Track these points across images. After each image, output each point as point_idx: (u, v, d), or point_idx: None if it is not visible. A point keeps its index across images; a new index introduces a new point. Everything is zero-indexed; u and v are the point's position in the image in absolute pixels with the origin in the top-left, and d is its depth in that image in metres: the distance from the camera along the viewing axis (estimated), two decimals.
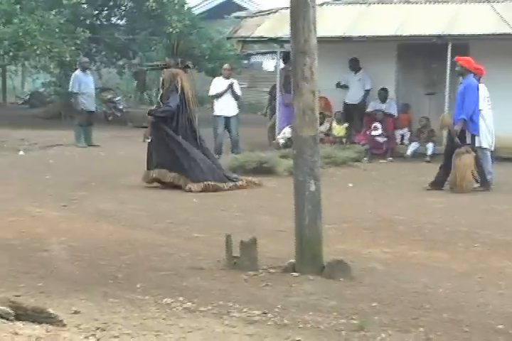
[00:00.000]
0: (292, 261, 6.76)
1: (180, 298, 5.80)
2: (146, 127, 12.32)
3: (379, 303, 5.85)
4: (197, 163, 11.66)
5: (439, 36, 14.88)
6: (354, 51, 16.26)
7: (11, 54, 20.50)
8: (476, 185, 11.92)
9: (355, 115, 16.79)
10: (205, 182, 11.54)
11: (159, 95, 12.22)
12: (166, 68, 12.17)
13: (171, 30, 22.14)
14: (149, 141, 11.92)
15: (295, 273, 6.62)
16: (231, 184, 11.78)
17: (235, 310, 5.52)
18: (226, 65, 16.09)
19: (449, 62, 14.46)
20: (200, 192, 11.37)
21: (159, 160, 11.82)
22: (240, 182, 11.87)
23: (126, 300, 5.68)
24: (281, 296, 6.00)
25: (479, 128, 11.86)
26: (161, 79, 12.20)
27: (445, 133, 12.95)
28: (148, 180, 11.92)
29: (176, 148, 11.70)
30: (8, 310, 4.22)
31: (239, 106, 15.83)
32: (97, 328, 4.65)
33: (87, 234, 8.36)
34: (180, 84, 11.88)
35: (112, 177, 12.92)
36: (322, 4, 15.79)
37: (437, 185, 11.92)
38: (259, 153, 13.84)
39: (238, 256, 6.80)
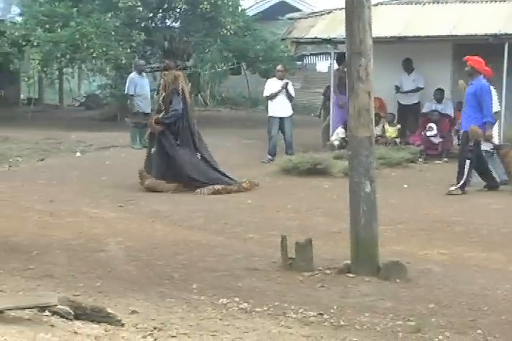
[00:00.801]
0: (348, 262, 6.75)
1: (236, 299, 5.82)
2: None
3: (436, 305, 5.81)
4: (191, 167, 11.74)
5: (495, 35, 14.68)
6: (409, 51, 16.13)
7: (67, 57, 20.74)
8: (453, 188, 11.62)
9: (409, 116, 16.66)
10: (215, 186, 11.55)
11: (161, 98, 12.02)
12: (166, 70, 12.09)
13: (225, 31, 22.23)
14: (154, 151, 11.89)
15: (350, 274, 6.61)
16: (236, 186, 11.74)
17: (291, 311, 5.52)
18: (280, 67, 16.09)
19: (505, 62, 14.27)
20: (211, 194, 11.39)
21: (158, 171, 11.81)
22: (244, 184, 11.83)
23: (183, 301, 5.72)
24: (337, 297, 5.99)
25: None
26: (162, 81, 12.05)
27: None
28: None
29: (176, 159, 11.76)
30: (68, 309, 4.28)
31: (293, 108, 15.82)
32: (155, 328, 4.69)
33: (143, 234, 8.44)
34: (180, 87, 11.84)
35: None
36: (377, 4, 15.71)
37: (494, 187, 11.80)
38: (313, 154, 13.82)
39: (293, 257, 6.81)
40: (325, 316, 5.41)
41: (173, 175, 11.70)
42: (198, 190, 11.46)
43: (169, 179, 11.68)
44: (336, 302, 5.82)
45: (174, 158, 11.69)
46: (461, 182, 11.56)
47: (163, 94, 11.92)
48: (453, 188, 11.58)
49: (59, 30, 19.96)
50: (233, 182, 11.75)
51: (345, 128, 15.48)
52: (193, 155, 11.86)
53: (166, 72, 12.01)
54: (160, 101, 12.06)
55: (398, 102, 16.73)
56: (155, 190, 11.59)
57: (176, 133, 11.80)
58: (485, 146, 11.87)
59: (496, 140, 12.10)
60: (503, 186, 11.83)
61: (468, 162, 11.54)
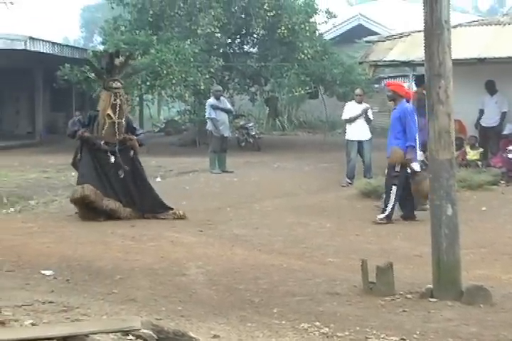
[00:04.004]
0: (430, 286, 6.67)
1: (317, 323, 5.79)
2: None
3: None
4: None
5: None
6: (490, 73, 15.92)
7: (148, 83, 21.13)
8: (382, 216, 11.13)
9: (491, 138, 16.41)
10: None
11: (124, 118, 11.43)
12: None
13: (302, 56, 22.33)
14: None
15: (433, 299, 6.52)
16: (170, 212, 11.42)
17: (373, 336, 5.47)
18: (358, 90, 16.06)
19: None
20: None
21: (125, 197, 11.23)
22: (178, 212, 11.42)
23: (264, 325, 5.72)
24: (419, 322, 5.91)
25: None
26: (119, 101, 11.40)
27: None
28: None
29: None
30: (151, 333, 4.31)
31: (371, 131, 15.76)
32: None
33: (223, 258, 8.48)
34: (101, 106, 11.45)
35: (246, 202, 13.08)
36: (456, 26, 15.57)
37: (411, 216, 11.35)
38: None
39: (374, 281, 6.76)
40: None
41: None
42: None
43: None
44: (419, 327, 5.74)
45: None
46: (387, 211, 11.11)
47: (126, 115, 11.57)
48: (379, 217, 11.14)
49: (139, 57, 20.33)
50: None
51: (424, 151, 15.37)
52: None
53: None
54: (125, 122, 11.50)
55: (480, 124, 16.51)
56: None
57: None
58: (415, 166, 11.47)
59: (416, 166, 11.60)
60: None
61: (394, 188, 11.15)
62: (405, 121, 11.31)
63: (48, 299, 5.86)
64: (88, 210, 10.93)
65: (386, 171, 11.68)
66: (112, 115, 11.15)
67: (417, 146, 11.46)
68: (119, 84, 11.30)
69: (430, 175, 6.91)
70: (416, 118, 15.54)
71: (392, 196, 11.16)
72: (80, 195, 10.79)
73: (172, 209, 11.37)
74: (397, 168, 11.17)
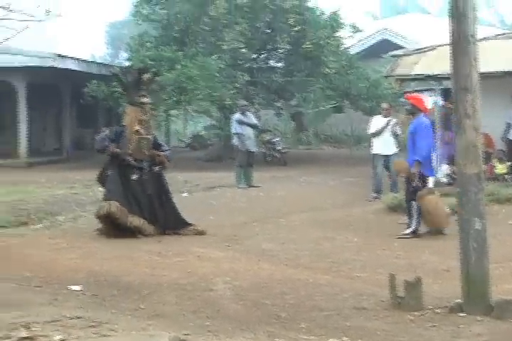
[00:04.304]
0: (458, 300, 6.61)
1: (345, 338, 5.77)
2: None
3: None
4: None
5: None
6: None
7: (174, 99, 21.23)
8: (407, 231, 11.07)
9: None
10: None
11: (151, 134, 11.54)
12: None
13: (327, 70, 22.35)
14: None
15: (462, 314, 6.47)
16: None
17: None
18: (385, 105, 16.06)
19: None
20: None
21: (149, 214, 11.15)
22: (199, 228, 11.38)
23: (291, 340, 5.69)
24: (448, 337, 5.86)
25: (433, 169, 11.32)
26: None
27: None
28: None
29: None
30: None
31: (398, 145, 15.71)
32: None
33: (250, 273, 8.47)
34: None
35: (272, 217, 13.08)
36: (482, 39, 15.52)
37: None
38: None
39: (402, 295, 6.72)
40: None
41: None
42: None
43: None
44: None
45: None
46: (413, 227, 11.05)
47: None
48: (404, 232, 11.07)
49: (165, 73, 20.44)
50: None
51: (449, 164, 15.29)
52: None
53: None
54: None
55: (507, 138, 16.42)
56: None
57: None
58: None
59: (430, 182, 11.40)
60: None
61: (414, 203, 11.06)
62: (416, 135, 11.13)
63: (76, 314, 5.87)
64: (112, 226, 10.97)
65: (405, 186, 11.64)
66: (141, 131, 11.20)
67: (431, 160, 11.30)
68: (147, 99, 11.37)
69: (458, 189, 6.88)
70: (440, 132, 15.54)
71: (414, 211, 11.11)
72: (106, 212, 10.81)
73: (192, 225, 11.37)
74: (414, 184, 11.08)
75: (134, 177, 11.06)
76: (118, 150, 11.10)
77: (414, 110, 11.44)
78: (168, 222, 11.22)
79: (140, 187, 11.12)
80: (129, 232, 10.87)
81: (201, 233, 11.20)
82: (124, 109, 12.35)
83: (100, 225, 11.10)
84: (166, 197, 11.38)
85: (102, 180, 11.48)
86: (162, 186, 11.35)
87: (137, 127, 11.15)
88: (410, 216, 11.19)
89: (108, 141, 11.21)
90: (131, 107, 11.42)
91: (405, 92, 16.84)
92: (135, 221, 10.90)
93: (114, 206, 10.77)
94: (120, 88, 11.50)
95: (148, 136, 11.34)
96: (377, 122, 15.49)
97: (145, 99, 11.33)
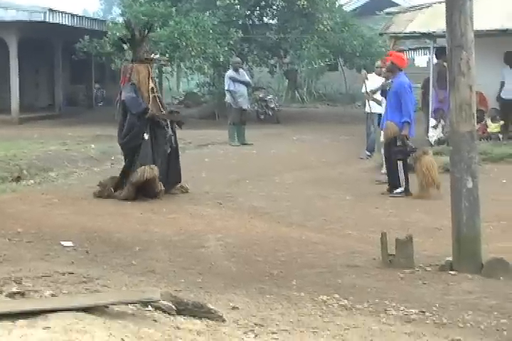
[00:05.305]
0: (449, 259, 6.65)
1: (336, 296, 5.79)
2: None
3: None
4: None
5: None
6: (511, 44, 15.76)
7: (167, 55, 21.05)
8: (399, 190, 11.02)
9: None
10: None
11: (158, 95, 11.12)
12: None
13: (322, 28, 22.16)
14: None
15: (452, 272, 6.50)
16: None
17: (392, 309, 5.46)
18: (379, 63, 15.94)
19: None
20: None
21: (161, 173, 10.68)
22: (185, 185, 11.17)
23: (283, 297, 5.72)
24: (438, 295, 5.89)
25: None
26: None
27: None
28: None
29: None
30: (170, 304, 4.31)
31: None
32: (255, 324, 4.69)
33: (242, 230, 8.48)
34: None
35: (265, 174, 13.07)
36: None
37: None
38: None
39: (394, 253, 6.74)
40: (427, 314, 5.33)
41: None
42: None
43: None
44: (438, 299, 5.73)
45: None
46: (403, 186, 11.01)
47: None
48: (395, 191, 11.01)
49: (158, 29, 20.24)
50: None
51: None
52: None
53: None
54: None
55: (501, 97, 16.37)
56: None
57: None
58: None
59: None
60: None
61: (400, 163, 11.00)
62: (401, 95, 10.99)
63: (68, 270, 5.89)
64: (138, 191, 10.45)
65: (383, 147, 11.56)
66: (155, 88, 10.88)
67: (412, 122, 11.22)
68: (156, 55, 11.02)
69: (451, 147, 6.87)
70: (435, 90, 15.50)
71: (401, 170, 11.06)
72: (150, 176, 10.28)
73: (179, 182, 11.14)
74: (399, 142, 11.00)
75: (166, 136, 10.71)
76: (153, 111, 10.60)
77: (393, 68, 11.30)
78: (171, 178, 10.94)
79: (162, 147, 10.77)
80: (152, 196, 10.49)
81: (187, 191, 11.06)
82: (122, 66, 11.98)
83: (99, 188, 10.70)
84: (176, 155, 11.15)
85: (134, 142, 10.70)
86: (176, 145, 11.08)
87: (152, 84, 10.86)
88: (394, 176, 11.10)
89: (144, 102, 10.62)
90: (139, 64, 10.79)
91: (401, 51, 16.79)
92: (161, 185, 10.67)
93: (156, 170, 10.36)
94: (127, 44, 11.12)
95: (160, 94, 11.08)
96: (370, 80, 15.38)
97: (154, 55, 11.04)
